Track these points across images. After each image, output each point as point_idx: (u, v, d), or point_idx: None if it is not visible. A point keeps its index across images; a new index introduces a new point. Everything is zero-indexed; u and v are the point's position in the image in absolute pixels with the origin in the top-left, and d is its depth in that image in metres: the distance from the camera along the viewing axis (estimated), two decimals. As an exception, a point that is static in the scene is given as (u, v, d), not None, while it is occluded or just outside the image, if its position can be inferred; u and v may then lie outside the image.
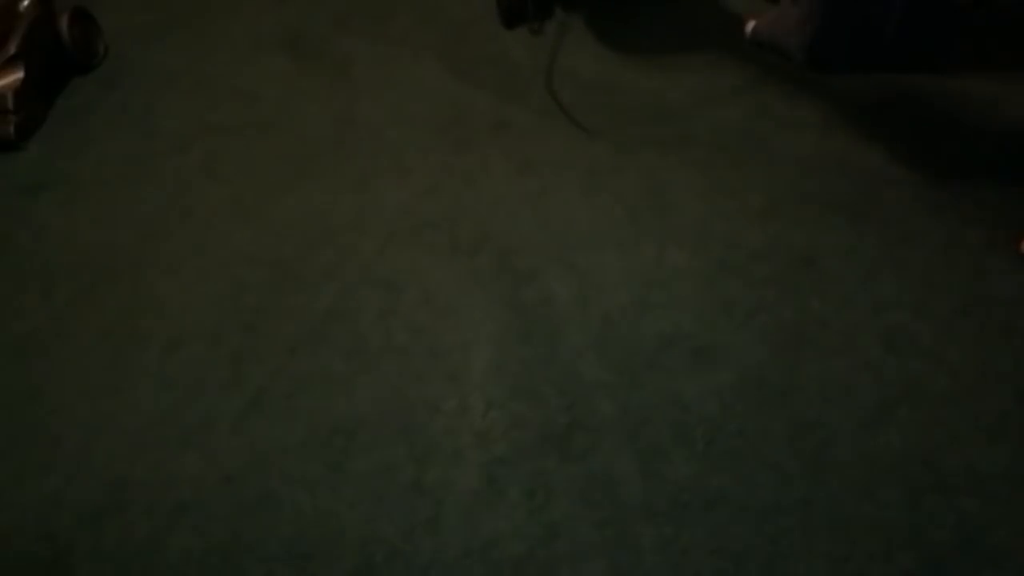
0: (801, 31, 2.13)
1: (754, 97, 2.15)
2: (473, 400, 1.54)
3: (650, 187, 1.93)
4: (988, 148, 1.95)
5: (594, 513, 1.36)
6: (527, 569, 1.30)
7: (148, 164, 2.17)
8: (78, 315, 1.78)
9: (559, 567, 1.30)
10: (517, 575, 1.30)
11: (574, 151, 2.06)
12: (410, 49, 2.47)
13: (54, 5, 2.41)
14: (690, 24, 2.44)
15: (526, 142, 2.10)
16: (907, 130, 2.01)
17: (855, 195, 1.85)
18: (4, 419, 1.60)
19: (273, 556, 1.35)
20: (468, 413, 1.52)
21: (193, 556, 1.36)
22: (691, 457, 1.41)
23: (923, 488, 1.35)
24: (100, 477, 1.48)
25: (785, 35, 2.20)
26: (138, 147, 2.23)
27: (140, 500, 1.44)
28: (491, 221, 1.89)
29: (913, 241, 1.74)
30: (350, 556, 1.34)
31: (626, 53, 2.36)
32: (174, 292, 1.81)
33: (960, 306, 1.61)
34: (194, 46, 2.59)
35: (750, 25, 2.31)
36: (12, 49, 2.24)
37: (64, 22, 2.40)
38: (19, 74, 2.22)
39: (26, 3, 2.32)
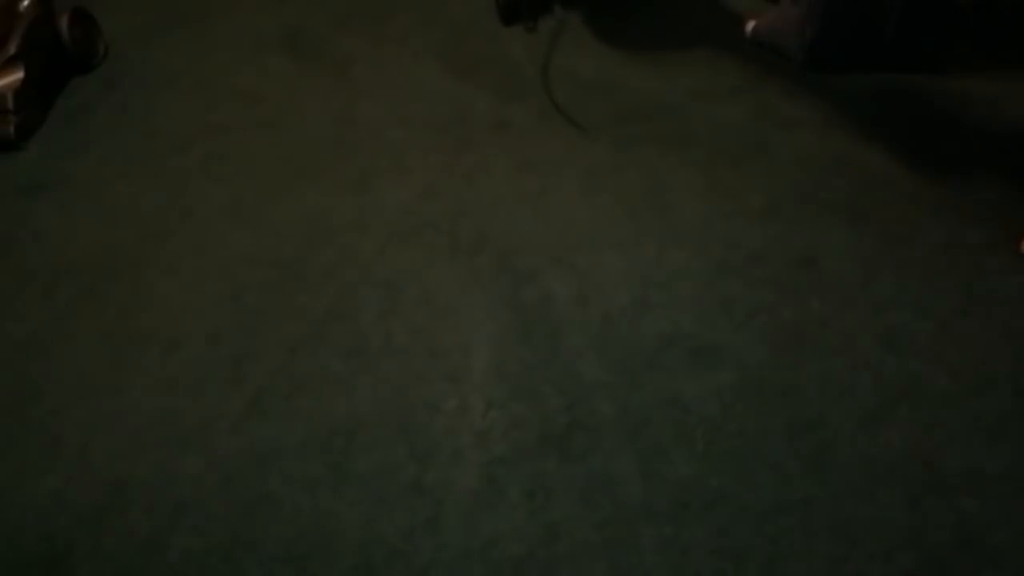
0: (801, 31, 2.13)
1: (754, 97, 2.15)
2: (473, 400, 1.54)
3: (650, 187, 1.93)
4: (988, 148, 1.95)
5: (594, 513, 1.36)
6: (527, 569, 1.30)
7: (148, 164, 2.17)
8: (78, 315, 1.78)
9: (559, 567, 1.30)
10: (517, 575, 1.30)
11: (574, 151, 2.06)
12: (410, 49, 2.47)
13: (54, 5, 2.41)
14: (689, 23, 2.44)
15: (526, 142, 2.10)
16: (907, 130, 2.01)
17: (855, 195, 1.85)
18: (4, 419, 1.60)
19: (273, 556, 1.35)
20: (468, 413, 1.52)
21: (193, 556, 1.36)
22: (691, 457, 1.41)
23: (923, 488, 1.34)
24: (100, 477, 1.48)
25: (785, 35, 2.20)
26: (138, 147, 2.23)
27: (140, 500, 1.44)
28: (491, 221, 1.89)
29: (913, 241, 1.74)
30: (350, 556, 1.34)
31: (626, 52, 2.36)
32: (174, 292, 1.81)
33: (960, 306, 1.61)
34: (194, 46, 2.59)
35: (750, 25, 2.31)
36: (12, 49, 2.24)
37: (64, 22, 2.40)
38: (19, 74, 2.23)
39: (26, 3, 2.32)
